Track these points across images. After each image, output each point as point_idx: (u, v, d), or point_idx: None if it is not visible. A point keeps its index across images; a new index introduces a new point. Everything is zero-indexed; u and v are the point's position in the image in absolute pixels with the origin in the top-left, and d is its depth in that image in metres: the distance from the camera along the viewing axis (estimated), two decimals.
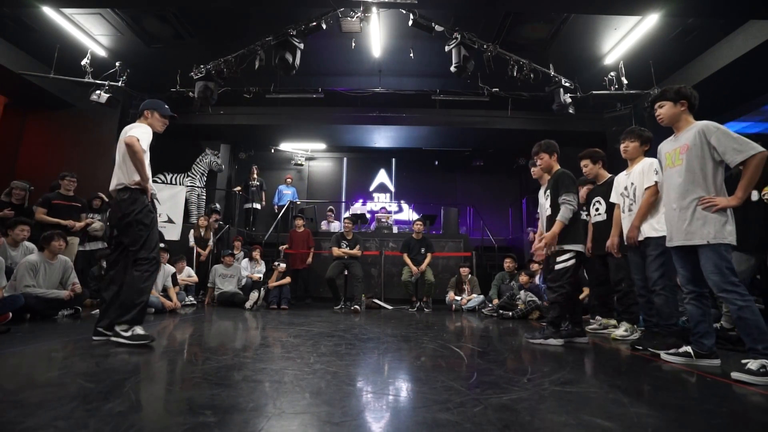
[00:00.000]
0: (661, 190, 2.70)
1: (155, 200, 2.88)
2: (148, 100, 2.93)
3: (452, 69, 5.45)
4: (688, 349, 2.30)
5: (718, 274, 2.07)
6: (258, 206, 8.99)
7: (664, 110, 2.37)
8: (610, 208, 3.30)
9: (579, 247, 3.01)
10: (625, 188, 3.03)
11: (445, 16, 5.50)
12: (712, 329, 2.31)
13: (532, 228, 7.25)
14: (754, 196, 3.01)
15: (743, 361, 1.94)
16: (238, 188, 9.11)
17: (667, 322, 2.65)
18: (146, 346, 2.41)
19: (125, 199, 2.63)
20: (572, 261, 2.96)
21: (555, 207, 3.04)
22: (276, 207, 9.09)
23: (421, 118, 8.43)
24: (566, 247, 2.99)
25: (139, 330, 2.52)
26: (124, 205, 2.62)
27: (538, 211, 4.16)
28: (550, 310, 3.04)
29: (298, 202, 9.17)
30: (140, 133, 2.63)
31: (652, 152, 3.02)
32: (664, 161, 2.46)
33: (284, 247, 6.68)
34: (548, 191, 3.17)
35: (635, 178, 2.95)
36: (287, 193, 9.28)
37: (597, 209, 3.51)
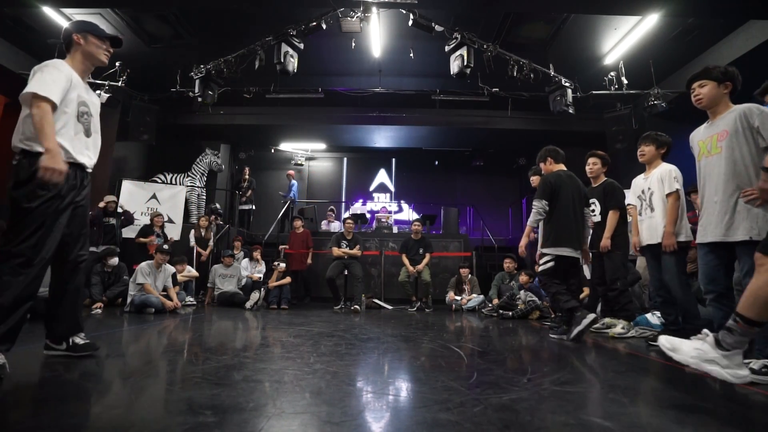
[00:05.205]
0: (682, 196, 2.75)
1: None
2: (73, 22, 2.10)
3: (452, 72, 5.46)
4: None
5: None
6: (253, 207, 8.97)
7: (705, 90, 2.13)
8: (605, 210, 3.45)
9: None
10: (642, 192, 3.06)
11: (445, 16, 5.51)
12: None
13: None
14: None
15: (746, 361, 1.93)
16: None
17: (694, 323, 2.67)
18: None
19: (15, 166, 1.80)
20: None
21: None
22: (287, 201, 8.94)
23: (421, 118, 8.43)
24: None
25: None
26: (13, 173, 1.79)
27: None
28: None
29: (296, 200, 9.15)
30: (39, 83, 1.78)
31: (670, 157, 3.06)
32: (697, 150, 2.25)
33: (284, 247, 6.69)
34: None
35: (653, 183, 2.96)
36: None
37: (592, 210, 3.54)
